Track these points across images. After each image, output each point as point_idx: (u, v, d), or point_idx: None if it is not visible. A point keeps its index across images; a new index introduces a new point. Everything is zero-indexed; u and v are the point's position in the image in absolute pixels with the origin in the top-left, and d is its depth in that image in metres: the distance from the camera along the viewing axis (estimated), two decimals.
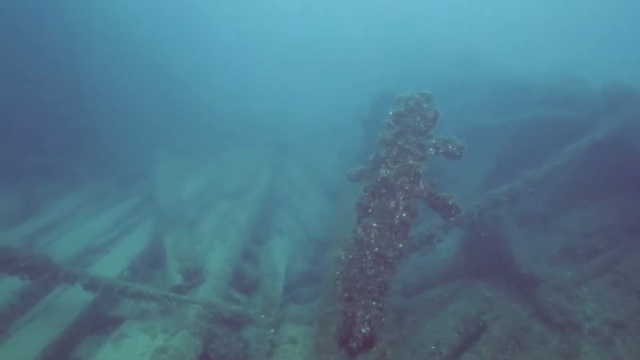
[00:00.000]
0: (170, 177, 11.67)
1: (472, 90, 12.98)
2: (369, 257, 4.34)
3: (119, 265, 7.53)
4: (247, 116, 19.88)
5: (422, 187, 4.31)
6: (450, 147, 4.35)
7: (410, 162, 4.23)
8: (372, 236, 4.32)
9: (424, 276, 7.59)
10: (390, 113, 4.42)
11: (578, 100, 9.32)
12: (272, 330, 5.61)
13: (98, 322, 6.25)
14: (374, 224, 4.31)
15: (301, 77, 29.05)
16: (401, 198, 4.24)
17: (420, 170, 4.24)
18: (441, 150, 4.35)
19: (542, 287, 6.13)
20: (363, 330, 4.17)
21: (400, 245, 4.37)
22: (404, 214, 4.26)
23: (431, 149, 4.30)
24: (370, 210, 4.39)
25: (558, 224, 8.10)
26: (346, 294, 4.53)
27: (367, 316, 4.37)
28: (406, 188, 4.23)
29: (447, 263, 7.67)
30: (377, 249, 4.28)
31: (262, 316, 5.55)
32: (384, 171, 4.28)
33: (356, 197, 4.86)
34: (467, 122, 10.26)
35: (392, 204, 4.25)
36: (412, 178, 4.26)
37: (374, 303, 4.36)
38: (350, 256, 4.45)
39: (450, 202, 4.29)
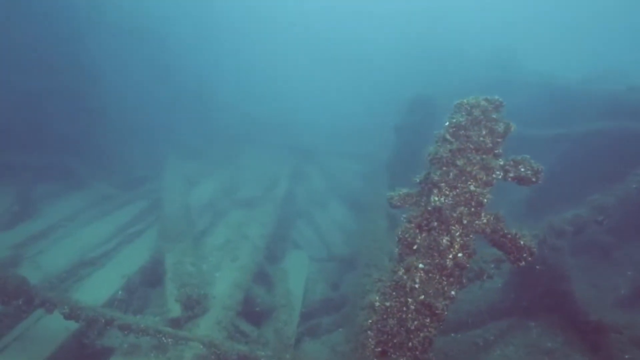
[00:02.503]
0: (179, 180, 10.99)
1: (512, 95, 11.93)
2: (412, 307, 3.54)
3: (113, 283, 6.82)
4: (265, 117, 19.16)
5: (485, 221, 3.46)
6: (522, 169, 3.50)
7: (472, 188, 3.38)
8: (417, 280, 3.51)
9: (463, 312, 6.68)
10: (447, 124, 3.58)
11: None
12: None
13: (82, 355, 5.51)
14: (421, 265, 3.49)
15: (322, 78, 28.28)
16: (457, 234, 3.41)
17: (485, 200, 3.38)
18: (511, 174, 3.50)
19: (615, 339, 5.17)
20: None
21: (453, 293, 3.53)
22: (460, 254, 3.43)
23: (498, 172, 3.44)
24: (415, 247, 3.56)
25: (624, 257, 7.10)
26: (379, 349, 3.71)
27: None
28: (464, 221, 3.39)
29: (491, 297, 6.74)
30: (422, 296, 3.47)
31: None
32: (436, 198, 3.44)
33: (392, 221, 3.95)
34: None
35: (444, 241, 3.43)
36: (472, 209, 3.41)
37: None
38: (387, 303, 3.62)
39: (522, 242, 3.42)
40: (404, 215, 3.74)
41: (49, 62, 12.10)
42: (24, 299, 4.73)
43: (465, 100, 3.55)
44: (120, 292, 6.59)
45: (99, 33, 13.48)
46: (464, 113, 3.49)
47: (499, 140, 3.47)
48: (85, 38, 12.93)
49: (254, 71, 25.29)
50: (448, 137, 3.49)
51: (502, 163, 3.45)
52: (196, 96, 17.65)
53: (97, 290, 6.58)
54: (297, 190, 13.11)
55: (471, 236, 3.46)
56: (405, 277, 3.52)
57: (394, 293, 3.59)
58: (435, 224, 3.47)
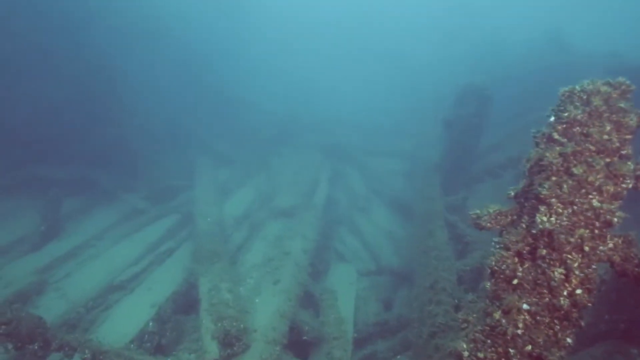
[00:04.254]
0: (211, 190, 10.46)
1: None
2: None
3: (143, 313, 6.28)
4: (297, 116, 18.48)
5: (612, 246, 2.67)
6: None
7: (595, 203, 2.60)
8: (521, 325, 2.77)
9: None
10: (553, 119, 2.79)
11: None
12: None
13: None
14: (525, 306, 2.75)
15: (355, 73, 27.38)
16: (575, 264, 2.64)
17: (615, 219, 2.60)
18: None
19: None
20: None
21: (569, 340, 2.77)
22: (578, 291, 2.66)
23: (629, 180, 2.65)
24: (516, 282, 2.80)
25: None
26: None
27: None
28: (586, 247, 2.62)
29: None
30: (529, 346, 2.73)
31: None
32: (544, 218, 2.68)
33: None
34: None
35: (557, 274, 2.68)
36: (596, 231, 2.63)
37: None
38: (480, 354, 2.89)
39: None
40: (497, 240, 2.99)
41: (72, 71, 11.79)
42: (39, 343, 4.20)
43: (577, 87, 2.76)
44: (151, 324, 6.04)
45: (122, 36, 13.11)
46: (578, 104, 2.69)
47: (628, 137, 2.66)
48: (108, 43, 12.56)
49: (283, 69, 24.65)
50: (557, 136, 2.71)
51: (632, 167, 2.65)
52: (224, 97, 17.16)
53: (126, 322, 6.06)
54: (336, 194, 12.40)
55: (594, 267, 2.68)
56: (504, 321, 2.78)
57: (488, 341, 2.86)
58: (544, 252, 2.71)
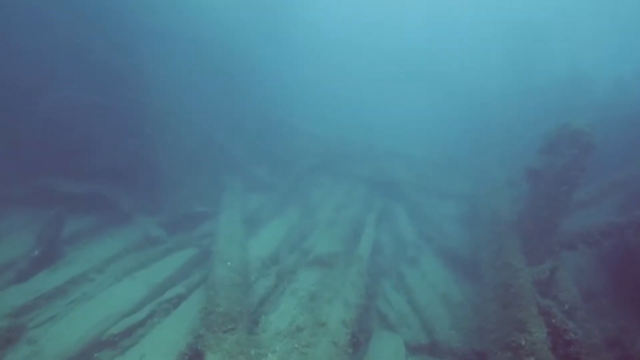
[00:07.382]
0: (237, 224, 9.16)
1: None
2: None
3: None
4: (342, 142, 17.13)
5: None
6: None
7: None
8: None
9: None
10: None
11: None
12: None
13: None
14: None
15: (411, 99, 25.91)
16: None
17: None
18: None
19: None
20: None
21: None
22: None
23: None
24: None
25: None
26: None
27: None
28: None
29: None
30: None
31: None
32: None
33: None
34: None
35: None
36: None
37: None
38: None
39: None
40: None
41: (101, 75, 10.83)
42: None
43: None
44: None
45: (160, 40, 12.14)
46: None
47: None
48: (143, 46, 11.57)
49: (333, 91, 23.52)
50: None
51: None
52: (266, 117, 16.00)
53: None
54: (381, 238, 10.87)
55: None
56: None
57: None
58: None
